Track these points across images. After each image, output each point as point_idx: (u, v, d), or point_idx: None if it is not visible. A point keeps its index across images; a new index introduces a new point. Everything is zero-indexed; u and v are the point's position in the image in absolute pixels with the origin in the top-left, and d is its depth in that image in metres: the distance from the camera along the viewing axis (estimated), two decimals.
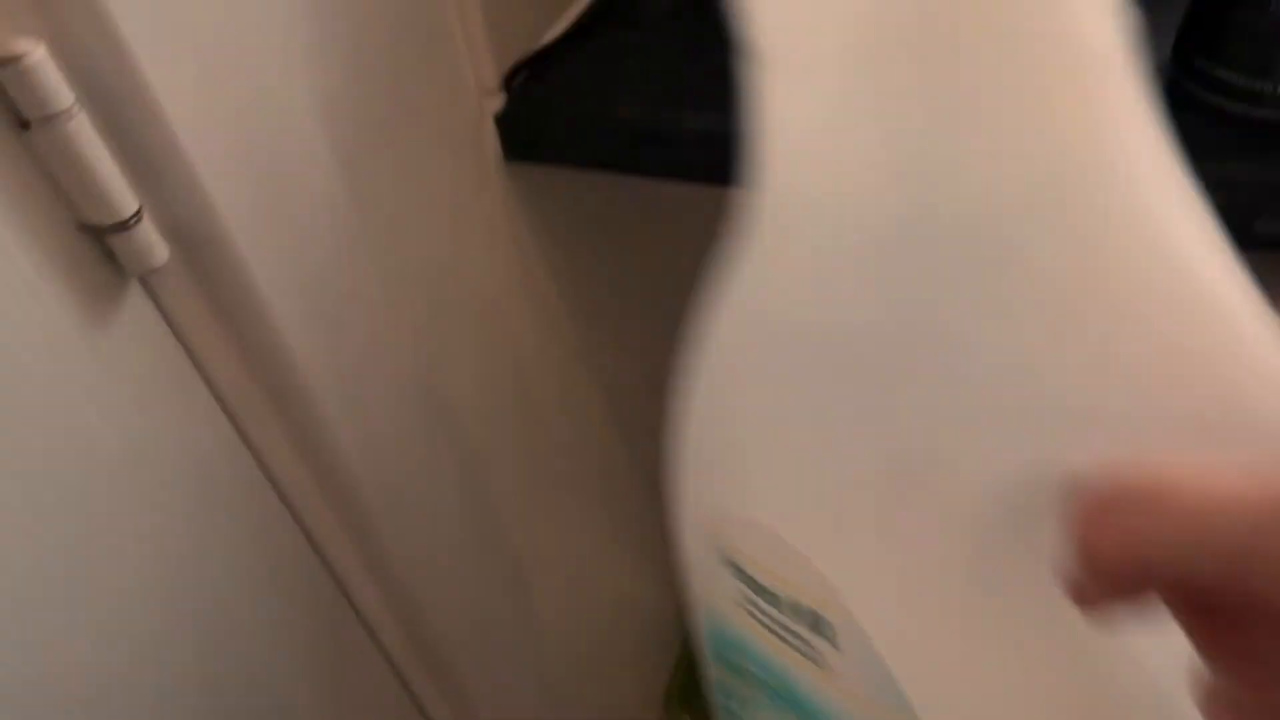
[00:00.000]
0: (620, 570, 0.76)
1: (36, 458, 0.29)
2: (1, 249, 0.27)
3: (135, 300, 0.32)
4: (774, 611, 0.32)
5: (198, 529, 0.35)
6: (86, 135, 0.28)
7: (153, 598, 0.34)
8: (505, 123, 0.49)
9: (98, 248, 0.30)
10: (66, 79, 0.27)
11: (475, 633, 0.54)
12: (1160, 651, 0.23)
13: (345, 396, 0.39)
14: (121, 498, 0.32)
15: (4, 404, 0.28)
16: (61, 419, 0.30)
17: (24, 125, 0.27)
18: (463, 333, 0.49)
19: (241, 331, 0.34)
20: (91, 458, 0.31)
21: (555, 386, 0.60)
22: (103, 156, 0.28)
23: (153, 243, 0.30)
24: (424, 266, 0.45)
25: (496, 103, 0.49)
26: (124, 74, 0.28)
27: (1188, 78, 0.41)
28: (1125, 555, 0.19)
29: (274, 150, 0.34)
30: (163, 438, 0.33)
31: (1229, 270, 0.19)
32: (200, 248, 0.32)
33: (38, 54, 0.26)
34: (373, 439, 0.41)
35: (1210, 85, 0.41)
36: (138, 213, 0.30)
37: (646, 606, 0.82)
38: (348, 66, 0.38)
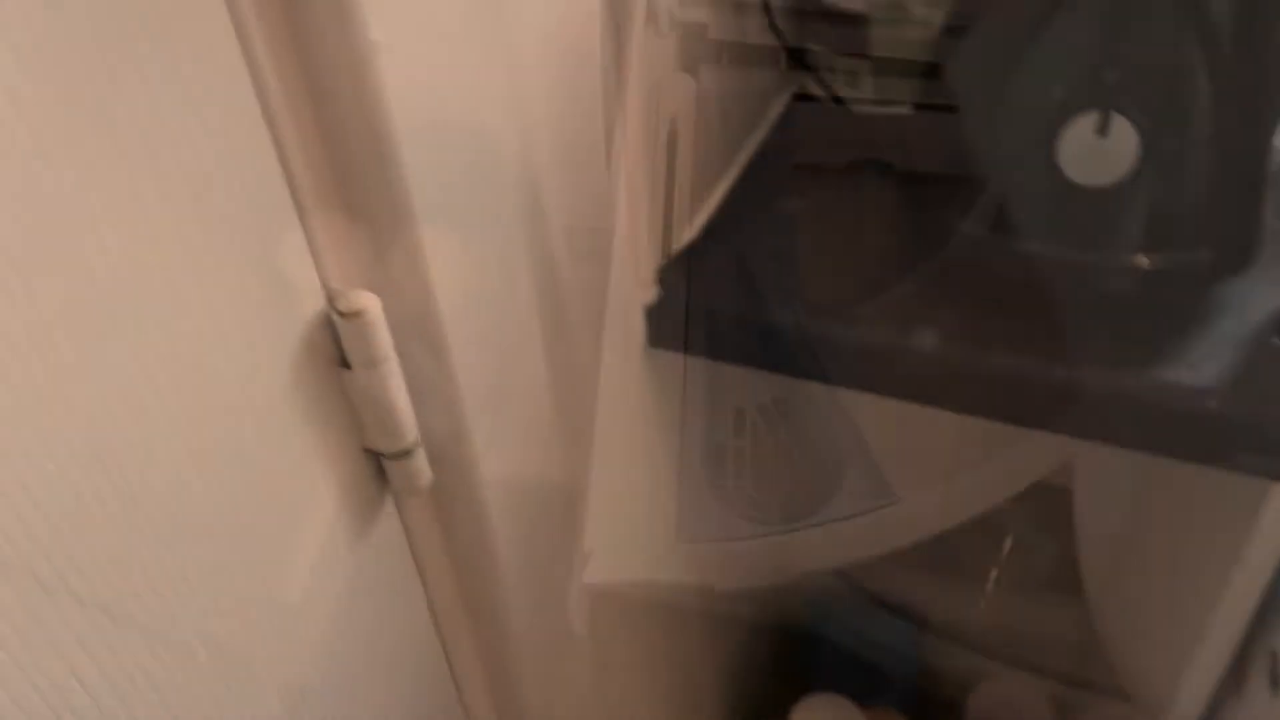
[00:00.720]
0: None
1: (293, 657, 0.30)
2: (300, 466, 0.29)
3: (388, 517, 0.33)
4: None
5: None
6: (395, 378, 0.30)
7: None
8: (653, 314, 0.52)
9: (373, 468, 0.32)
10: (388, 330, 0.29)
11: None
12: None
13: (530, 604, 0.40)
14: (350, 705, 0.33)
15: (277, 598, 0.29)
16: (320, 622, 0.31)
17: (345, 365, 0.29)
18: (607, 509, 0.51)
19: (463, 547, 0.36)
20: (334, 662, 0.32)
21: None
22: (402, 395, 0.30)
23: (422, 467, 0.32)
24: (584, 449, 0.47)
25: (648, 295, 0.52)
26: (429, 325, 0.30)
27: None
28: None
29: (507, 373, 0.36)
30: (388, 649, 0.35)
31: None
32: (450, 470, 0.34)
33: (376, 310, 0.28)
34: (542, 649, 0.43)
35: None
36: (416, 441, 0.32)
37: None
38: (554, 277, 0.41)
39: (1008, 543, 1.02)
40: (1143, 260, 0.45)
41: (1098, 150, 0.42)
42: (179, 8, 0.22)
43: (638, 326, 0.52)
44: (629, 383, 0.52)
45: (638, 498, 0.55)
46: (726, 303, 0.52)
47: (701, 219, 0.56)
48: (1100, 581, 0.85)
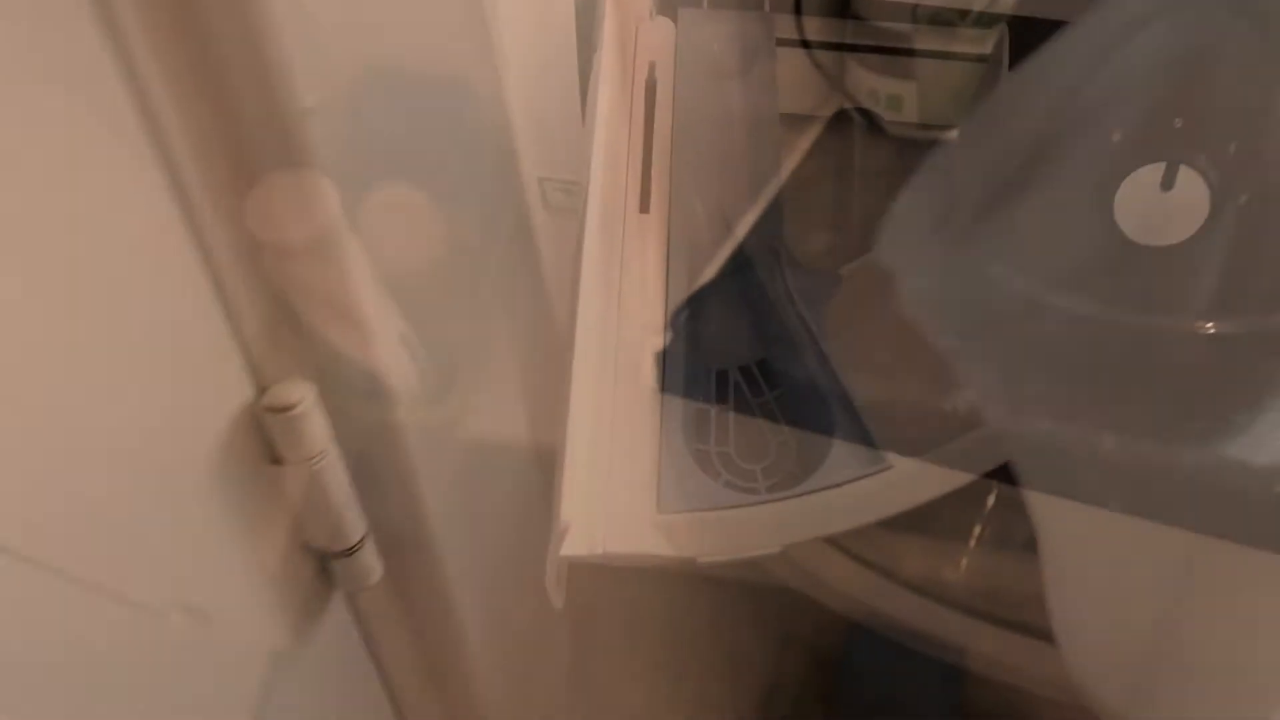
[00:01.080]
0: None
1: None
2: (231, 565, 0.26)
3: (336, 613, 0.30)
4: None
5: None
6: (334, 473, 0.26)
7: None
8: (662, 360, 0.49)
9: (316, 566, 0.29)
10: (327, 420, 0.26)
11: None
12: None
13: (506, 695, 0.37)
14: None
15: (220, 708, 0.26)
16: None
17: (277, 461, 0.26)
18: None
19: (428, 640, 0.33)
20: None
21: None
22: (344, 491, 0.27)
23: (371, 564, 0.29)
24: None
25: (659, 340, 0.48)
26: (381, 413, 0.27)
27: None
28: None
29: (481, 461, 0.33)
30: None
31: None
32: (407, 558, 0.31)
33: (308, 402, 0.25)
34: None
35: None
36: (363, 538, 0.28)
37: None
38: (537, 333, 0.37)
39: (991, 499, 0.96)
40: (1209, 326, 0.40)
41: (1162, 206, 0.37)
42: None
43: (647, 369, 0.48)
44: (639, 424, 0.49)
45: (615, 468, 0.51)
46: (725, 353, 0.49)
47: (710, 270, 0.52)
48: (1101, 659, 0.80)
